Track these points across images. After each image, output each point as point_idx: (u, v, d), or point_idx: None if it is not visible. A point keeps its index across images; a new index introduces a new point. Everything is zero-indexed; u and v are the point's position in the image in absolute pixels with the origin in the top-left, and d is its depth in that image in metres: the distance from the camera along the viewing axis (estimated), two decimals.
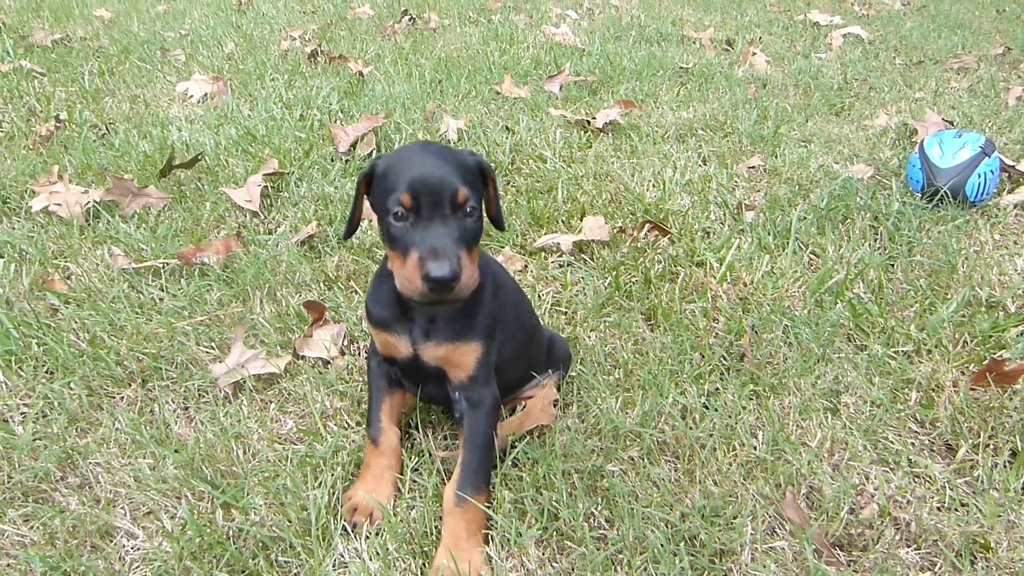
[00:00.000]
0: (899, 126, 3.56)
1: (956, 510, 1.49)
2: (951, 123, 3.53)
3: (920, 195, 2.78)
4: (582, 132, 3.39)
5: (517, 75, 4.18)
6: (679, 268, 2.33)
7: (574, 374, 1.86)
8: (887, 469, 1.59)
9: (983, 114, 3.78)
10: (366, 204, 1.47)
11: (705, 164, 3.15)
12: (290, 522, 1.44)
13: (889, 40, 5.60)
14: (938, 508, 1.50)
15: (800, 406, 1.74)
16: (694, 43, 5.27)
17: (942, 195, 2.70)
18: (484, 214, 1.50)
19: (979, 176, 2.70)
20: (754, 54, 4.82)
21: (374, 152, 3.00)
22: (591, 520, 1.45)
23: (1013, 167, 2.96)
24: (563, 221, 2.61)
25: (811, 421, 1.70)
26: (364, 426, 1.60)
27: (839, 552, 1.41)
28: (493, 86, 3.93)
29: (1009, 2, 7.60)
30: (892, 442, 1.65)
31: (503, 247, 2.43)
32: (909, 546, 1.42)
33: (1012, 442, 1.63)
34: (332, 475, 1.55)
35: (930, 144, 2.82)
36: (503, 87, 3.90)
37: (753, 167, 3.11)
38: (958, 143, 2.77)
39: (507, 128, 3.37)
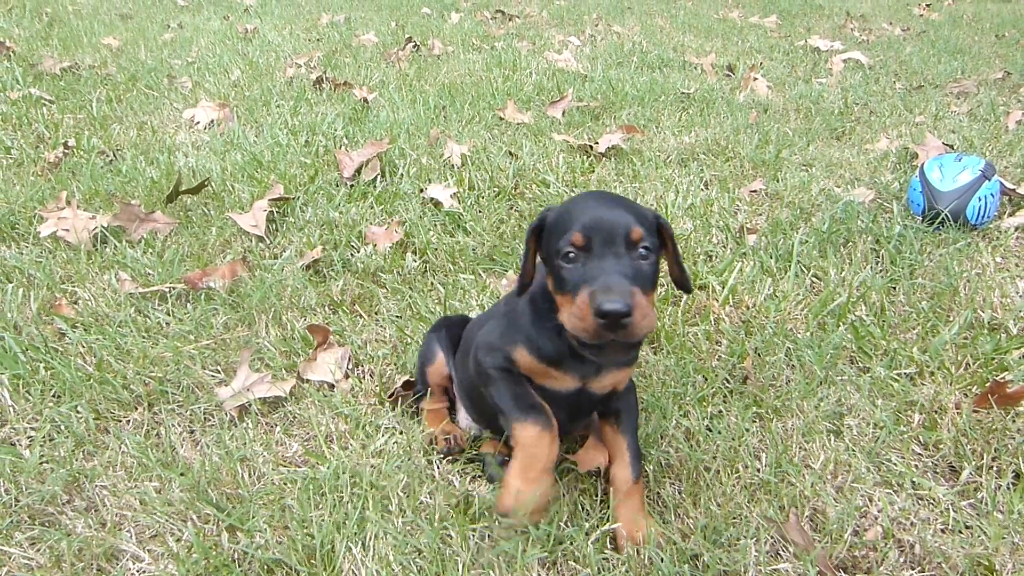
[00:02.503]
0: (900, 150, 3.59)
1: (960, 532, 1.49)
2: (951, 147, 3.56)
3: (921, 218, 2.80)
4: (585, 157, 3.42)
5: (520, 101, 4.23)
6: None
7: None
8: (891, 491, 1.59)
9: (983, 138, 3.81)
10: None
11: (707, 188, 3.17)
12: (295, 545, 1.44)
13: (889, 65, 5.66)
14: (942, 530, 1.49)
15: (803, 428, 1.74)
16: (696, 69, 5.34)
17: (943, 218, 2.72)
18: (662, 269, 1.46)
19: (980, 199, 2.72)
20: (755, 79, 4.88)
21: (378, 177, 3.04)
22: (597, 542, 1.45)
23: (1014, 190, 2.98)
24: None
25: (814, 443, 1.70)
26: (516, 418, 1.43)
27: (843, 575, 1.41)
28: (496, 112, 3.98)
29: (1008, 27, 7.68)
30: (895, 464, 1.65)
31: (507, 271, 2.45)
32: (913, 568, 1.41)
33: (1015, 464, 1.63)
34: (336, 498, 1.55)
35: (931, 167, 2.84)
36: (506, 113, 3.95)
37: (755, 191, 3.13)
38: (958, 166, 2.79)
39: (510, 153, 3.41)
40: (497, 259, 2.52)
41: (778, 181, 3.23)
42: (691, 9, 8.33)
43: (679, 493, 1.58)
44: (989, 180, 2.75)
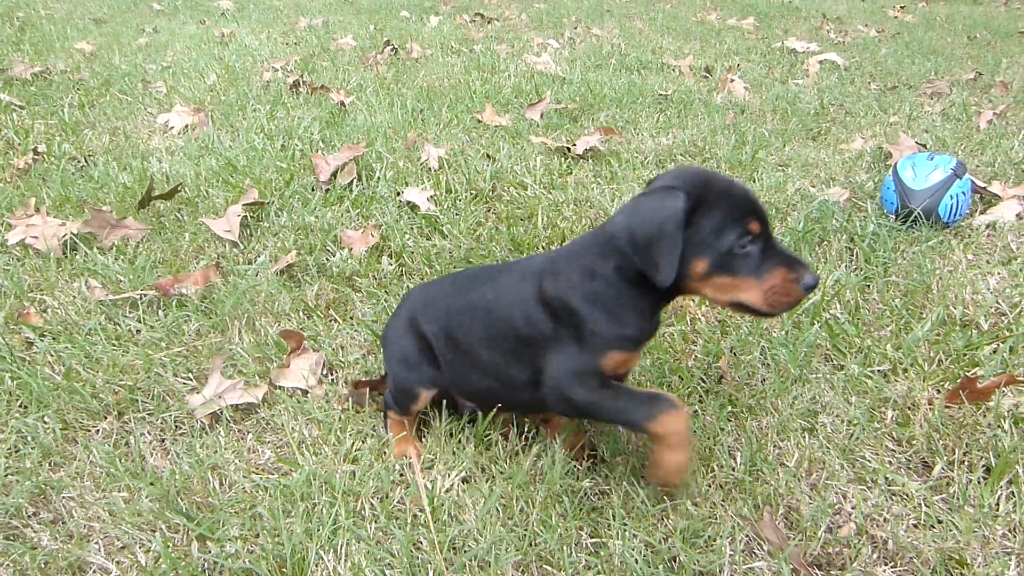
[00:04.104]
0: (874, 150, 3.62)
1: (932, 527, 1.49)
2: (924, 146, 3.60)
3: (895, 217, 2.82)
4: (562, 159, 3.42)
5: (498, 104, 4.23)
6: None
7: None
8: (864, 487, 1.59)
9: (956, 137, 3.86)
10: None
11: None
12: (265, 554, 1.42)
13: (865, 66, 5.72)
14: (914, 525, 1.50)
15: (778, 426, 1.74)
16: (674, 71, 5.36)
17: (916, 216, 2.74)
18: None
19: (951, 197, 2.74)
20: (732, 81, 4.91)
21: (355, 181, 3.02)
22: (573, 544, 1.45)
23: (985, 188, 3.01)
24: (543, 247, 2.62)
25: (789, 441, 1.71)
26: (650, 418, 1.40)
27: (817, 571, 1.41)
28: (474, 115, 3.98)
29: (980, 29, 7.80)
30: (869, 461, 1.66)
31: None
32: (886, 564, 1.42)
33: (986, 458, 1.65)
34: (308, 505, 1.53)
35: (903, 167, 2.87)
36: (484, 116, 3.94)
37: None
38: (931, 165, 2.82)
39: (488, 156, 3.40)
40: (473, 261, 2.50)
41: (755, 181, 3.24)
42: (670, 12, 8.37)
43: (656, 493, 1.58)
44: (960, 178, 2.77)
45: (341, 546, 1.45)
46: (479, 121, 3.91)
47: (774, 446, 1.70)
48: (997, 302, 2.27)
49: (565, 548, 1.42)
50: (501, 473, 1.63)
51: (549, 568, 1.41)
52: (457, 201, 2.91)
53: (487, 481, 1.61)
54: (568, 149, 3.49)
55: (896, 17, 8.61)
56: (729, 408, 1.81)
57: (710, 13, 8.28)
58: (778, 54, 6.11)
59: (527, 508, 1.52)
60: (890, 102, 4.59)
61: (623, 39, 6.55)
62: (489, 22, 7.40)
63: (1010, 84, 5.13)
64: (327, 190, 2.97)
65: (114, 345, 2.04)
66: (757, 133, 3.88)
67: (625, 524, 1.48)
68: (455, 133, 3.72)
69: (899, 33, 7.38)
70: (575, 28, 7.13)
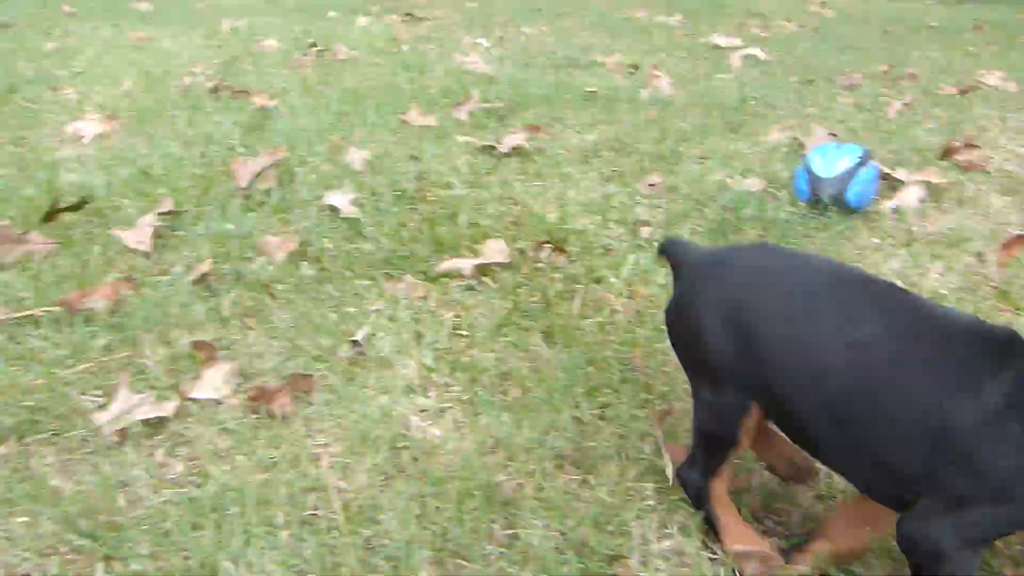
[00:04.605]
0: (790, 141, 3.74)
1: None
2: (836, 136, 3.73)
3: (807, 205, 2.93)
4: (488, 157, 3.43)
5: (425, 104, 4.21)
6: (579, 285, 2.38)
7: (466, 397, 1.87)
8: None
9: (867, 127, 4.03)
10: None
11: (607, 183, 3.23)
12: (172, 570, 1.39)
13: (786, 60, 5.90)
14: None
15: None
16: (601, 68, 5.43)
17: (826, 204, 2.85)
18: None
19: (859, 184, 2.86)
20: (658, 77, 5.01)
21: (275, 186, 2.97)
22: (485, 538, 1.46)
23: (890, 175, 3.15)
24: (467, 246, 2.63)
25: None
26: None
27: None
28: (400, 115, 3.95)
29: (894, 23, 8.14)
30: None
31: (405, 274, 2.43)
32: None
33: None
34: (220, 516, 1.51)
35: (813, 157, 2.98)
36: (410, 116, 3.92)
37: (653, 185, 3.21)
38: (838, 154, 2.93)
39: (413, 156, 3.39)
40: (395, 263, 2.49)
41: (675, 175, 3.32)
42: (599, 10, 8.48)
43: (571, 483, 1.60)
44: (866, 166, 2.90)
45: (253, 556, 1.43)
46: (405, 122, 3.88)
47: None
48: (898, 282, 2.37)
49: (478, 541, 1.43)
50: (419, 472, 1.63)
51: (462, 562, 1.41)
52: (379, 203, 2.89)
53: (403, 481, 1.61)
54: (494, 147, 3.50)
55: (816, 12, 8.91)
56: (643, 395, 1.85)
57: (638, 10, 8.41)
58: (703, 50, 6.25)
59: (442, 506, 1.53)
60: (807, 95, 4.76)
61: (553, 36, 6.61)
62: (419, 21, 7.37)
63: (918, 76, 5.38)
64: (247, 196, 2.91)
65: (15, 365, 1.96)
66: (679, 127, 3.96)
67: (538, 514, 1.50)
68: (380, 135, 3.69)
69: (819, 28, 7.65)
70: (505, 27, 7.16)
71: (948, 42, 7.04)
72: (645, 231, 2.71)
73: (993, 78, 5.26)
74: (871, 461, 1.15)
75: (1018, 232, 2.70)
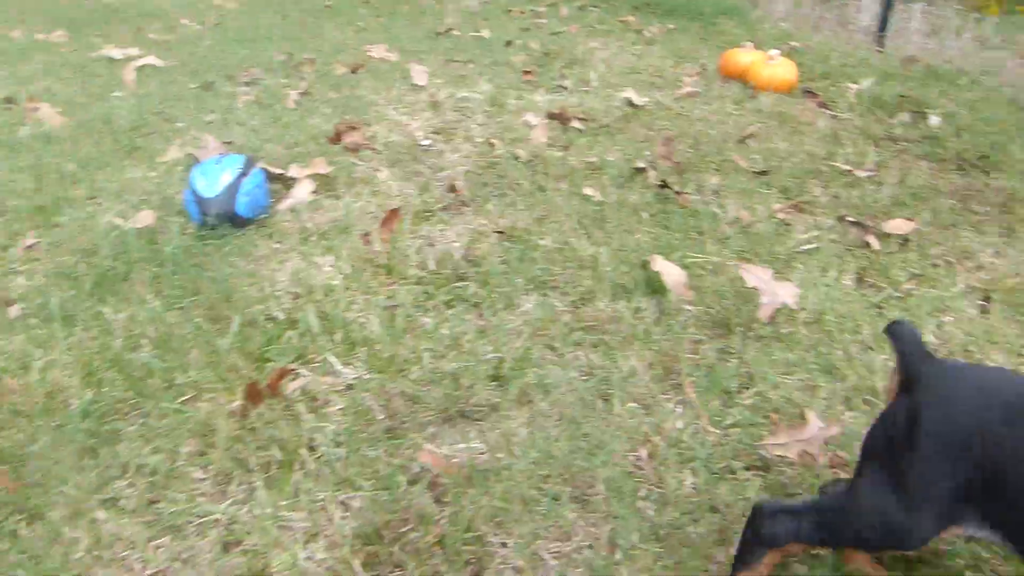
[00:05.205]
0: (187, 158, 3.63)
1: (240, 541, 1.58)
2: (231, 143, 3.75)
3: (202, 227, 2.87)
4: None
5: None
6: None
7: None
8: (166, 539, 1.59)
9: (266, 124, 4.13)
10: None
11: None
12: None
13: (188, 64, 5.69)
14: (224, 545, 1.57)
15: (72, 512, 1.61)
16: None
17: (219, 223, 2.84)
18: None
19: (246, 195, 2.90)
20: (37, 109, 4.36)
21: None
22: None
23: (281, 174, 3.28)
24: None
25: (82, 524, 1.59)
26: None
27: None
28: None
29: (292, 8, 8.53)
30: (175, 506, 1.66)
31: None
32: None
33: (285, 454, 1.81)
34: None
35: (195, 177, 2.92)
36: None
37: (31, 246, 2.79)
38: (219, 169, 2.92)
39: None
40: None
41: (58, 228, 2.93)
42: None
43: None
44: (249, 175, 2.96)
45: None
46: None
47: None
48: (295, 285, 2.50)
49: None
50: None
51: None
52: None
53: None
54: None
55: (219, 5, 8.83)
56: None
57: (14, 29, 7.18)
58: (97, 66, 5.66)
59: None
60: (208, 100, 4.68)
61: None
62: None
63: (315, 60, 5.72)
64: None
65: None
66: (63, 168, 3.51)
67: None
68: None
69: (220, 22, 7.58)
70: None
71: (342, 20, 7.63)
72: (13, 310, 2.33)
73: (378, 51, 5.85)
74: None
75: (393, 207, 3.01)
